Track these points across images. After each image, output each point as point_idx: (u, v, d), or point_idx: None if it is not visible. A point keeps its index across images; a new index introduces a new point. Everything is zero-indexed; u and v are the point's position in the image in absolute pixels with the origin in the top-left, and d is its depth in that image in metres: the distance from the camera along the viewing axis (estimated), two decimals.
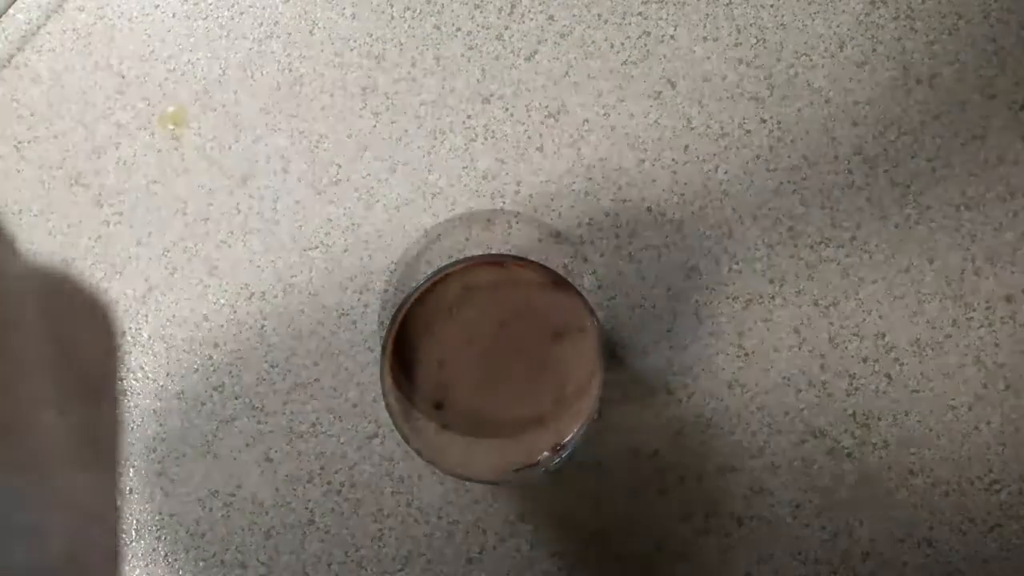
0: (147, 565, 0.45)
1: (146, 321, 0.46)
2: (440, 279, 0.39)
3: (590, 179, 0.46)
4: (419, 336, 0.40)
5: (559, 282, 0.39)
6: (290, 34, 0.47)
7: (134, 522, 0.45)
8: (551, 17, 0.47)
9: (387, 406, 0.39)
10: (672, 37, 0.46)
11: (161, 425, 0.45)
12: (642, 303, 0.45)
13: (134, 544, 0.45)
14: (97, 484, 0.20)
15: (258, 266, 0.46)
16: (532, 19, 0.47)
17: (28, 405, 0.19)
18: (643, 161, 0.46)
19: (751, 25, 0.46)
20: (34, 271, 0.21)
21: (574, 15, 0.47)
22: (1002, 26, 0.46)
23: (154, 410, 0.46)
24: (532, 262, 0.39)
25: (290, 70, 0.47)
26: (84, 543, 0.19)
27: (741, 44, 0.46)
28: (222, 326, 0.46)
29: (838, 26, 0.46)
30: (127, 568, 0.45)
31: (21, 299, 0.20)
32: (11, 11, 0.47)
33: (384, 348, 0.39)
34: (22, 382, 0.18)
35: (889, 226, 0.45)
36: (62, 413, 0.19)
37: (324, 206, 0.46)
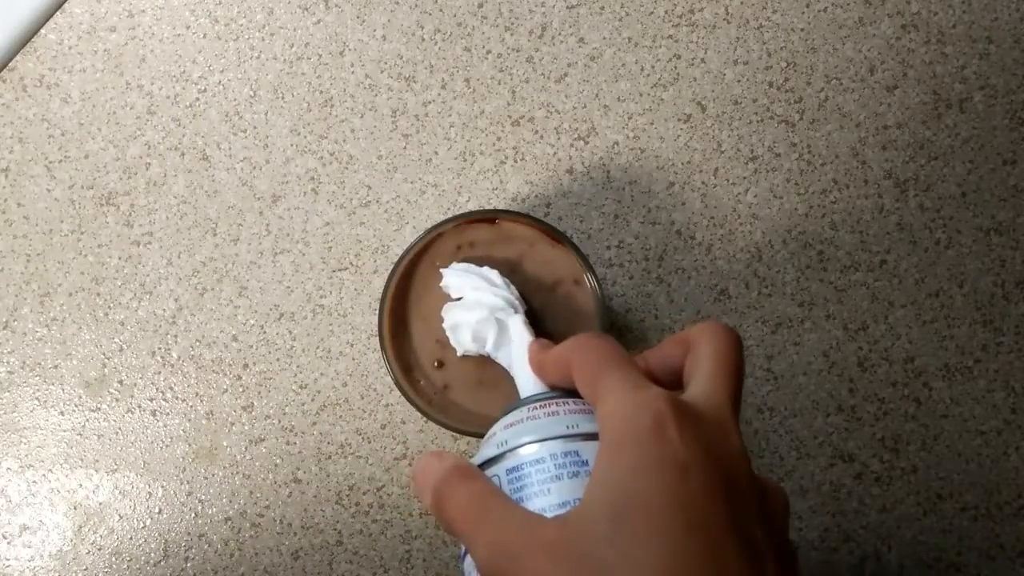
0: None
1: (175, 341, 0.46)
2: (434, 238, 0.40)
3: (619, 202, 0.46)
4: (416, 296, 0.40)
5: (553, 236, 0.39)
6: (320, 56, 0.47)
7: (163, 542, 0.45)
8: (581, 40, 0.47)
9: (388, 368, 0.39)
10: (703, 60, 0.47)
11: (190, 445, 0.46)
12: (671, 326, 0.45)
13: (162, 564, 0.45)
14: None
15: (288, 287, 0.46)
16: (562, 42, 0.47)
17: None
18: (673, 184, 0.46)
19: (782, 49, 0.46)
20: None
21: (604, 38, 0.47)
22: None
23: (183, 430, 0.46)
24: (524, 216, 0.39)
25: (320, 91, 0.47)
26: None
27: (771, 68, 0.46)
28: (251, 347, 0.46)
29: (869, 50, 0.46)
30: None
31: None
32: (43, 31, 0.48)
33: (381, 309, 0.39)
34: None
35: (919, 250, 0.45)
36: None
37: (354, 227, 0.46)
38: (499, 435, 0.30)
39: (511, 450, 0.29)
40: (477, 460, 0.30)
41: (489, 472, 0.29)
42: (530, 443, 0.28)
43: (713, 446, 0.25)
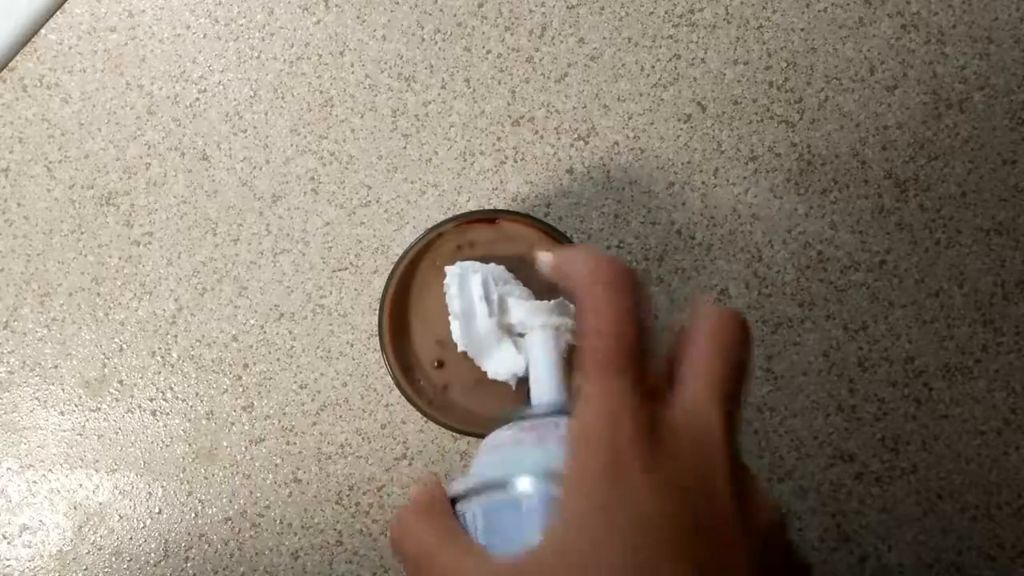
0: None
1: (175, 341, 0.46)
2: (434, 238, 0.39)
3: (619, 202, 0.46)
4: (416, 296, 0.40)
5: (553, 236, 0.39)
6: (321, 56, 0.47)
7: (163, 542, 0.45)
8: (581, 40, 0.47)
9: (388, 368, 0.39)
10: (702, 60, 0.47)
11: (190, 445, 0.46)
12: (671, 326, 0.45)
13: (162, 564, 0.45)
14: None
15: (288, 287, 0.46)
16: (562, 42, 0.47)
17: None
18: (673, 184, 0.46)
19: (782, 49, 0.46)
20: None
21: (604, 38, 0.47)
22: None
23: (183, 430, 0.46)
24: (525, 216, 0.39)
25: (320, 92, 0.47)
26: None
27: (771, 68, 0.46)
28: (251, 347, 0.46)
29: (869, 50, 0.46)
30: None
31: None
32: (43, 31, 0.48)
33: (381, 309, 0.39)
34: None
35: (919, 250, 0.45)
36: None
37: (354, 227, 0.46)
38: (483, 458, 0.28)
39: (486, 485, 0.26)
40: (457, 488, 0.27)
41: (460, 507, 0.27)
42: (505, 479, 0.26)
43: (689, 484, 0.22)
